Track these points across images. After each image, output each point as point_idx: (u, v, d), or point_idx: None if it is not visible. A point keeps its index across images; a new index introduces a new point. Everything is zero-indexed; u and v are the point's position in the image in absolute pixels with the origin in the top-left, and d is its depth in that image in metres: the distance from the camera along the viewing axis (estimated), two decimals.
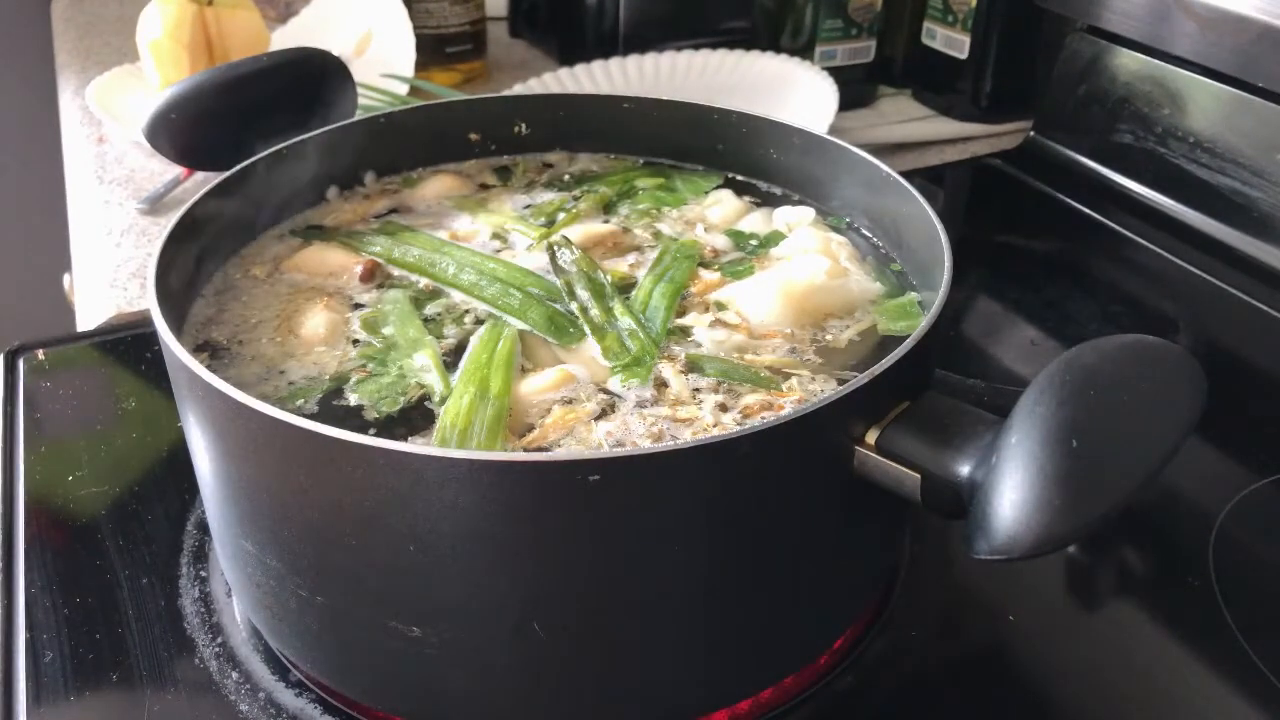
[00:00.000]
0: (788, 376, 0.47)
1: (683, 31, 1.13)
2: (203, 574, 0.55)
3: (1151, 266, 0.87)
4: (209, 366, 0.44)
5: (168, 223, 0.50)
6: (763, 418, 0.44)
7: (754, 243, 0.60)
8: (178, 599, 0.54)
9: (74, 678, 0.50)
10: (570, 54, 1.17)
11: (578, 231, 0.59)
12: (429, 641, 0.41)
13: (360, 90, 0.69)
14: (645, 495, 0.37)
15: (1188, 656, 0.52)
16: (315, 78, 0.63)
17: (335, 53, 0.65)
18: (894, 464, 0.39)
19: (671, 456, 0.36)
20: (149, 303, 0.44)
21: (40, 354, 0.71)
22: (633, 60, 1.08)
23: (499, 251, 0.58)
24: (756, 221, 0.61)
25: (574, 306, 0.52)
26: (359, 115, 0.64)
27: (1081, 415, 0.35)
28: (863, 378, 0.39)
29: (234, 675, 0.50)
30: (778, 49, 1.06)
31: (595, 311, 0.52)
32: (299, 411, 0.46)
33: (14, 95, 1.56)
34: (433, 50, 1.16)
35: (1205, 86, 0.87)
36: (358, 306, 0.54)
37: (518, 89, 1.05)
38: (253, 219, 0.59)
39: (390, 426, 0.45)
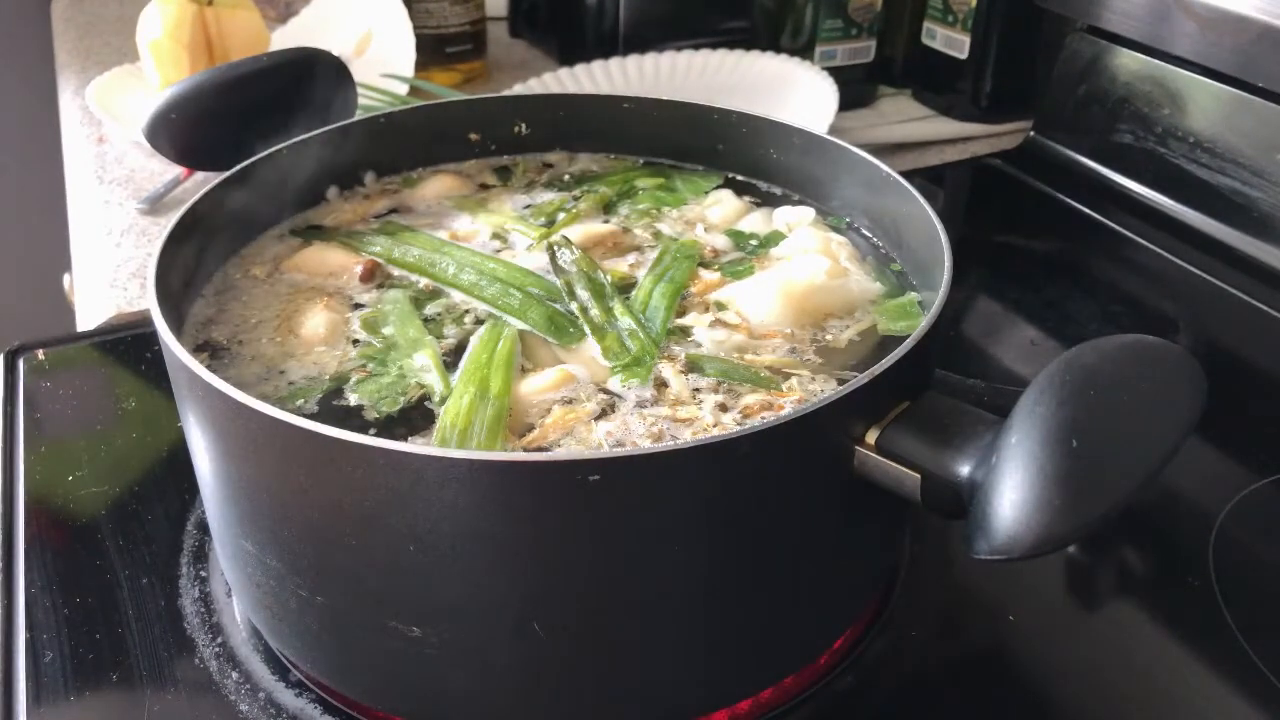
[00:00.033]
0: (788, 376, 0.47)
1: (683, 31, 1.13)
2: (203, 574, 0.55)
3: (1151, 266, 0.87)
4: (209, 366, 0.44)
5: (168, 223, 0.50)
6: (763, 418, 0.44)
7: (754, 243, 0.60)
8: (178, 599, 0.54)
9: (74, 678, 0.50)
10: (570, 54, 1.17)
11: (578, 231, 0.59)
12: (429, 641, 0.41)
13: (360, 90, 0.69)
14: (645, 495, 0.37)
15: (1188, 656, 0.52)
16: (315, 78, 0.63)
17: (335, 53, 0.65)
18: (894, 464, 0.39)
19: (671, 456, 0.36)
20: (149, 303, 0.44)
21: (40, 354, 0.71)
22: (633, 60, 1.08)
23: (499, 251, 0.58)
24: (756, 221, 0.61)
25: (574, 306, 0.52)
26: (359, 115, 0.64)
27: (1081, 415, 0.35)
28: (863, 378, 0.39)
29: (234, 675, 0.50)
30: (778, 49, 1.06)
31: (595, 311, 0.52)
32: (299, 411, 0.46)
33: (14, 95, 1.56)
34: (433, 50, 1.16)
35: (1205, 86, 0.87)
36: (358, 306, 0.54)
37: (518, 89, 1.05)
38: (253, 219, 0.59)
39: (390, 426, 0.45)
